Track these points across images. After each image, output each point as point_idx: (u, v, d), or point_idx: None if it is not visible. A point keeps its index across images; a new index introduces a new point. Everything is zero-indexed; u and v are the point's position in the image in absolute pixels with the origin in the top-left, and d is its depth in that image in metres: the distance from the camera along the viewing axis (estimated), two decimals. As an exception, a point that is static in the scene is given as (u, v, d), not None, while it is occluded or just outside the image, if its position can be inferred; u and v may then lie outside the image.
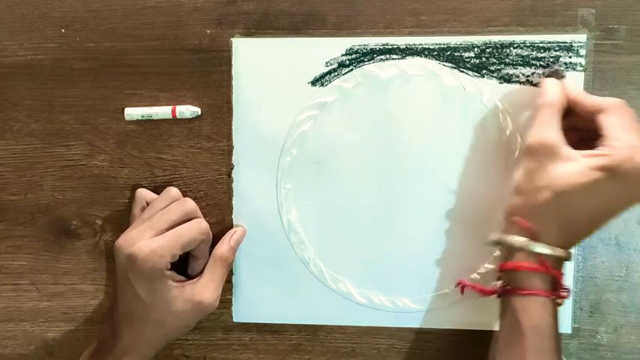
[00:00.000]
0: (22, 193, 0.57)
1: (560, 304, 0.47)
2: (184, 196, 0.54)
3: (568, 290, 0.47)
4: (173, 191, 0.54)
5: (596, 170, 0.44)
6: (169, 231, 0.51)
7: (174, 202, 0.53)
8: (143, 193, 0.55)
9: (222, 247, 0.54)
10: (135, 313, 0.51)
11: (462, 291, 0.52)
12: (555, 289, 0.46)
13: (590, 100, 0.48)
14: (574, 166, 0.45)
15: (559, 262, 0.46)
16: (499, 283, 0.48)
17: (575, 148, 0.46)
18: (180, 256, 0.51)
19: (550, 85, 0.49)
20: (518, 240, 0.46)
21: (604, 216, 0.46)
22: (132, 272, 0.49)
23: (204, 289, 0.52)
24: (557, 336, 0.46)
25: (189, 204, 0.53)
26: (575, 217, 0.45)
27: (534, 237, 0.46)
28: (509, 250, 0.47)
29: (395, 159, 0.54)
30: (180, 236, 0.50)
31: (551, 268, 0.46)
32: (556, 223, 0.46)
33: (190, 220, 0.52)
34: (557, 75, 0.51)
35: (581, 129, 0.48)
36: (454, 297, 0.54)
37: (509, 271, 0.47)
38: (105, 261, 0.57)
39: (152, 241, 0.50)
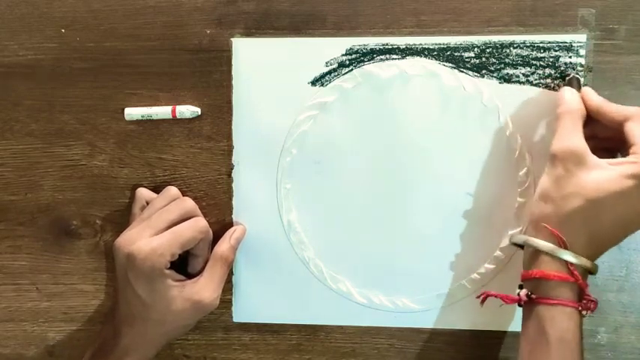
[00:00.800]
0: (22, 193, 0.57)
1: (584, 316, 0.45)
2: (184, 196, 0.54)
3: (595, 302, 0.45)
4: (172, 190, 0.54)
5: (629, 178, 0.44)
6: (168, 230, 0.51)
7: (173, 202, 0.53)
8: (143, 193, 0.55)
9: (223, 245, 0.53)
10: (135, 313, 0.51)
11: (483, 302, 0.51)
12: (581, 300, 0.45)
13: (615, 109, 0.47)
14: (605, 174, 0.44)
15: (584, 272, 0.45)
16: (523, 291, 0.46)
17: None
18: (180, 255, 0.51)
19: (568, 93, 0.49)
20: (545, 244, 0.45)
21: (632, 225, 0.45)
22: (131, 272, 0.49)
23: (204, 289, 0.52)
24: (582, 347, 0.45)
25: (189, 203, 0.53)
26: (605, 225, 0.45)
27: (562, 245, 0.45)
28: (534, 257, 0.46)
29: (395, 159, 0.54)
30: (179, 235, 0.50)
31: (580, 278, 0.45)
32: (585, 232, 0.45)
33: (189, 219, 0.52)
34: (575, 83, 0.51)
35: (600, 138, 0.48)
36: (454, 297, 0.54)
37: (535, 280, 0.46)
38: (105, 261, 0.57)
39: (151, 240, 0.50)
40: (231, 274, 0.56)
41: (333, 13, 0.54)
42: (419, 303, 0.55)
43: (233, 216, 0.56)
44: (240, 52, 0.54)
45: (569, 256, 0.45)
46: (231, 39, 0.54)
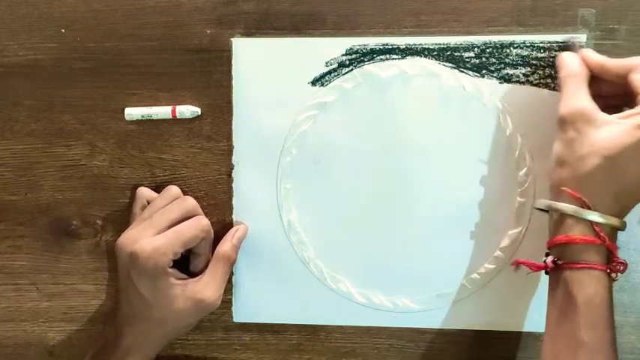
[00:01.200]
0: (22, 193, 0.57)
1: (615, 279, 0.45)
2: (185, 196, 0.54)
3: (624, 264, 0.44)
4: (173, 190, 0.54)
5: None
6: (170, 229, 0.51)
7: (174, 201, 0.53)
8: (144, 192, 0.55)
9: (225, 245, 0.53)
10: (137, 312, 0.51)
11: (517, 268, 0.52)
12: (609, 263, 0.44)
13: (618, 62, 0.47)
14: (616, 129, 0.44)
15: (613, 233, 0.45)
16: (549, 258, 0.46)
17: None
18: (182, 254, 0.51)
19: (568, 56, 0.49)
20: (568, 207, 0.44)
21: None
22: (134, 271, 0.49)
23: (206, 288, 0.52)
24: (612, 310, 0.44)
25: (190, 202, 0.53)
26: (627, 180, 0.44)
27: (585, 207, 0.44)
28: (559, 222, 0.46)
29: (395, 159, 0.54)
30: (181, 234, 0.50)
31: (607, 240, 0.44)
32: (609, 191, 0.44)
33: (191, 217, 0.52)
34: (574, 47, 0.51)
35: (606, 96, 0.48)
36: (454, 297, 0.54)
37: (562, 245, 0.45)
38: (106, 261, 0.57)
39: (154, 239, 0.50)
40: (231, 274, 0.56)
41: (333, 13, 0.54)
42: (419, 303, 0.55)
43: (233, 216, 0.56)
44: (240, 52, 0.54)
45: (594, 216, 0.44)
46: (231, 39, 0.54)
